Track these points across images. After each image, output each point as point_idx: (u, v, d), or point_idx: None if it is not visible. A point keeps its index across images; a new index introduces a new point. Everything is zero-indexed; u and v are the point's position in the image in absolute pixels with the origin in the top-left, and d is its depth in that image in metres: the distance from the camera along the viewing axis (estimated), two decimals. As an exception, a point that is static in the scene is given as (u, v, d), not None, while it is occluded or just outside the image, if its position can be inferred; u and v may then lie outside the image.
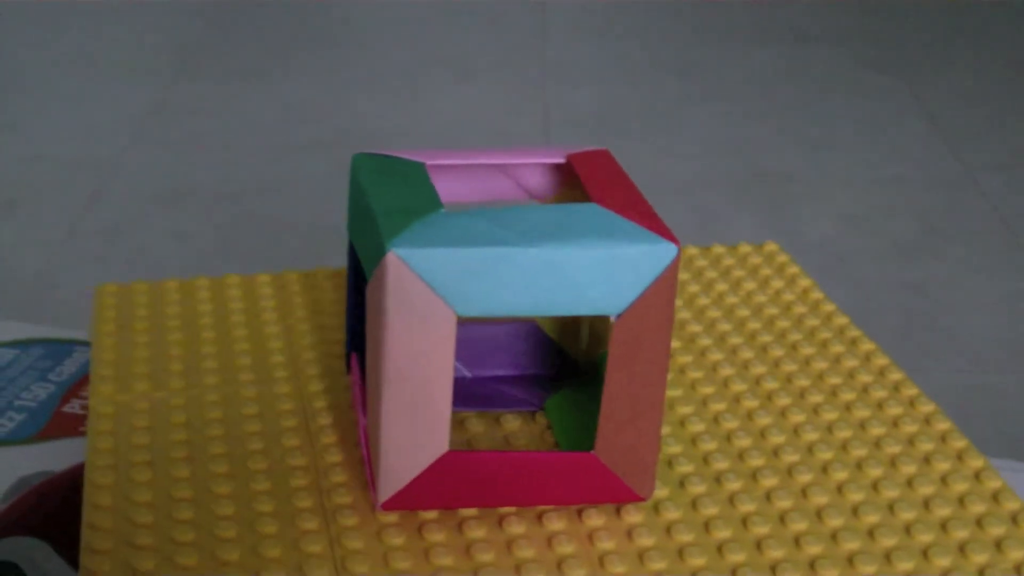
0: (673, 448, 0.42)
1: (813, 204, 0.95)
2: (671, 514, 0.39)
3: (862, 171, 1.01)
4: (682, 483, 0.40)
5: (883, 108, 1.13)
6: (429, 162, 0.42)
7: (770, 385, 0.45)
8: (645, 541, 0.38)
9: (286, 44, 1.25)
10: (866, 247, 0.88)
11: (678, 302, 0.50)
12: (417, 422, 0.39)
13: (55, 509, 0.49)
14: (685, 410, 0.44)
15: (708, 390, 0.45)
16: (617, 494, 0.40)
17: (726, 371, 0.46)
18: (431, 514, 0.40)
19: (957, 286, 0.84)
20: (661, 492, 0.40)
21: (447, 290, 0.37)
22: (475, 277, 0.37)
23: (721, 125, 1.09)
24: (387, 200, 0.39)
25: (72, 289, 0.79)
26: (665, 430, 0.43)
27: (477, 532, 0.39)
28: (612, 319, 0.37)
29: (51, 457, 0.53)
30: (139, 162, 0.98)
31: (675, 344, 0.48)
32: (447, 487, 0.40)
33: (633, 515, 0.39)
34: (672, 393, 0.45)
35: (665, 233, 0.37)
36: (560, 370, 0.46)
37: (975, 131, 1.09)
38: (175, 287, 0.51)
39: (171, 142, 1.02)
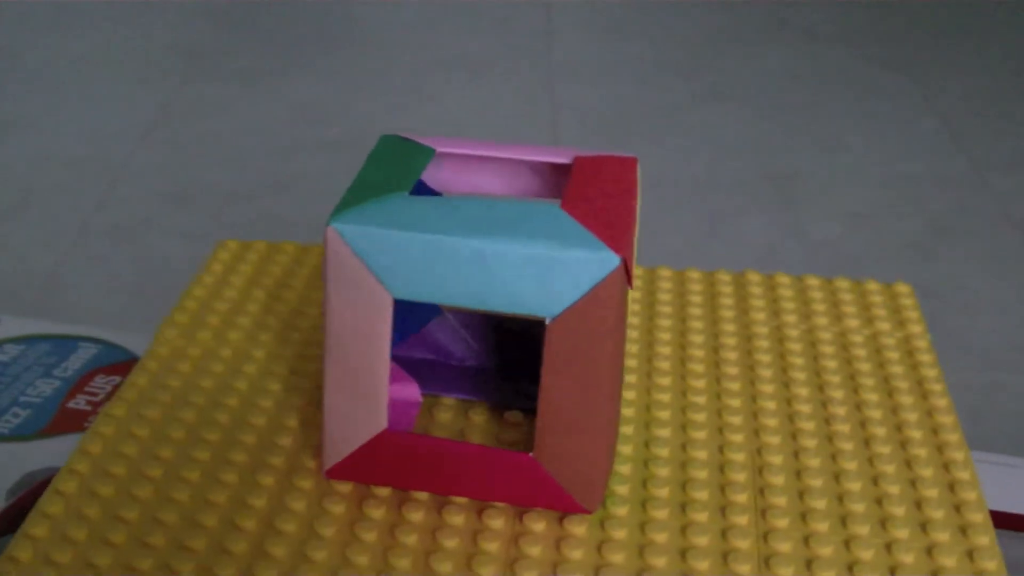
0: (661, 470, 0.41)
1: (822, 203, 0.94)
2: (615, 532, 0.38)
3: (871, 170, 1.01)
4: (644, 504, 0.39)
5: (893, 107, 1.13)
6: (441, 149, 0.42)
7: (803, 425, 0.43)
8: (572, 553, 0.37)
9: (295, 45, 1.25)
10: (875, 246, 0.88)
11: (763, 329, 0.49)
12: (356, 397, 0.39)
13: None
14: (698, 435, 0.43)
15: (734, 420, 0.44)
16: (559, 502, 0.39)
17: (768, 404, 0.44)
18: (384, 490, 0.40)
19: (966, 286, 0.84)
20: (619, 510, 0.39)
21: (383, 271, 0.37)
22: (410, 261, 0.37)
23: (730, 124, 1.09)
24: (366, 178, 0.40)
25: (81, 288, 0.79)
26: (664, 451, 0.42)
27: (414, 514, 0.39)
28: (547, 322, 0.37)
29: (56, 453, 0.53)
30: (148, 162, 0.98)
31: (732, 370, 0.46)
32: (386, 465, 0.40)
33: (576, 526, 0.39)
34: (696, 417, 0.44)
35: (616, 244, 0.36)
36: None
37: (985, 130, 1.08)
38: (290, 249, 0.53)
39: (180, 142, 1.02)
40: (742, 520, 0.39)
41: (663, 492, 0.40)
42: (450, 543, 0.38)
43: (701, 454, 0.42)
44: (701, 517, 0.39)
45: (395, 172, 0.40)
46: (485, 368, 0.46)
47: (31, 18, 1.31)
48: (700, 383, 0.46)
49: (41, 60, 1.20)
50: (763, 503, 0.40)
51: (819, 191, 0.97)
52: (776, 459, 0.42)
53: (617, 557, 0.37)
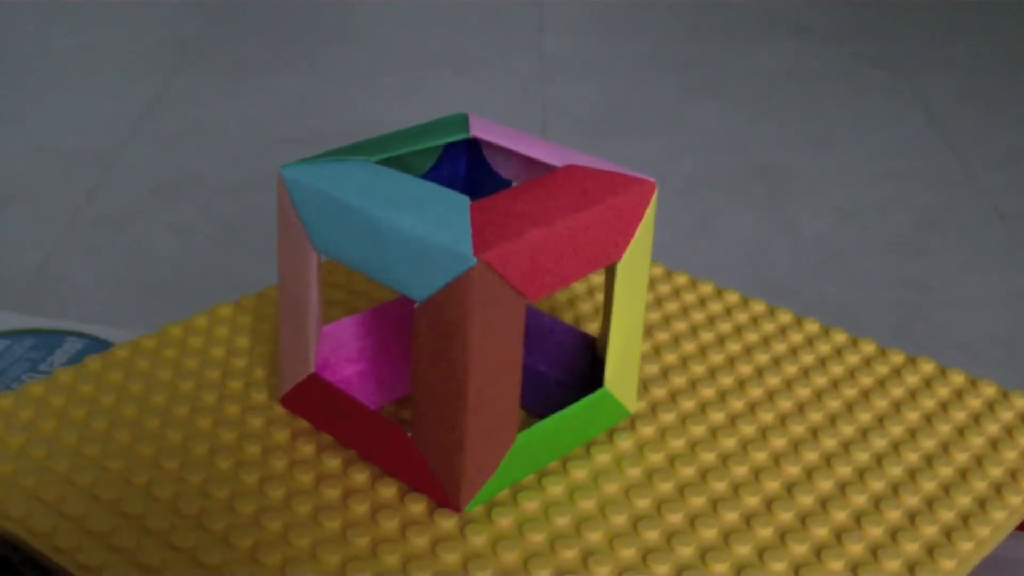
0: (586, 502, 0.39)
1: (811, 200, 0.95)
2: (471, 539, 0.37)
3: (860, 167, 1.01)
4: (522, 527, 0.38)
5: (882, 104, 1.13)
6: (476, 134, 0.43)
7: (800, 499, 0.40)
8: (413, 539, 0.37)
9: (286, 38, 1.25)
10: (864, 243, 0.88)
11: (851, 391, 0.46)
12: (296, 335, 0.41)
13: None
14: (655, 458, 0.41)
15: (708, 456, 0.41)
16: (432, 491, 0.39)
17: (758, 456, 0.41)
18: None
19: (955, 283, 0.84)
20: (503, 520, 0.38)
21: (309, 224, 0.39)
22: (327, 219, 0.38)
23: (720, 121, 1.09)
24: (363, 142, 0.42)
25: (69, 281, 0.79)
26: (612, 487, 0.40)
27: (329, 460, 0.41)
28: (415, 305, 0.37)
29: (41, 447, 0.53)
30: (138, 155, 0.98)
31: (737, 403, 0.44)
32: (315, 407, 0.42)
33: (444, 519, 0.38)
34: (675, 443, 0.42)
35: (489, 246, 0.35)
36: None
37: (974, 128, 1.09)
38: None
39: (170, 135, 1.02)
40: (602, 570, 0.37)
41: (563, 521, 0.38)
42: (329, 492, 0.39)
43: (636, 471, 0.40)
44: (569, 553, 0.37)
45: (396, 143, 0.41)
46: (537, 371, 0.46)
47: (20, 11, 1.31)
48: (729, 442, 0.43)
49: (30, 53, 1.20)
50: (616, 546, 0.38)
51: (808, 188, 0.97)
52: (708, 532, 0.39)
53: (449, 557, 0.36)
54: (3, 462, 0.40)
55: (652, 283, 0.53)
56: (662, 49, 1.25)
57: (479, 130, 0.43)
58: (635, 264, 0.40)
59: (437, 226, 0.36)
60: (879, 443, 0.43)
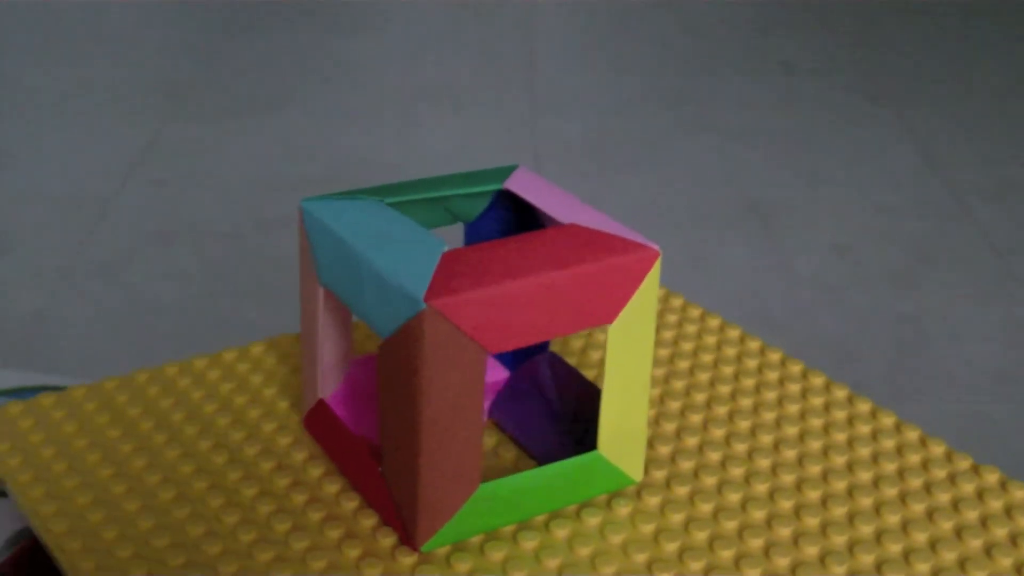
0: (549, 560, 0.39)
1: (804, 234, 0.95)
2: None
3: (853, 201, 1.01)
4: (472, 574, 0.38)
5: (874, 137, 1.14)
6: (509, 186, 0.44)
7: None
8: (366, 572, 0.38)
9: (279, 81, 1.26)
10: (857, 277, 0.89)
11: (891, 490, 0.44)
12: (310, 364, 0.43)
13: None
14: (644, 530, 0.40)
15: (699, 536, 0.40)
16: (397, 527, 0.40)
17: (752, 543, 0.40)
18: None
19: (949, 315, 0.84)
20: (461, 565, 0.38)
21: (316, 255, 0.40)
22: (326, 251, 0.40)
23: (712, 156, 1.09)
24: (408, 185, 0.43)
25: (65, 329, 0.79)
26: (584, 550, 0.39)
27: (327, 487, 0.42)
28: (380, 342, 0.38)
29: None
30: (133, 200, 0.98)
31: (760, 487, 0.43)
32: (322, 432, 0.43)
33: (405, 556, 0.38)
34: (673, 517, 0.41)
35: (443, 295, 0.36)
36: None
37: (966, 160, 1.09)
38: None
39: (166, 180, 1.02)
40: None
41: (520, 573, 0.38)
42: (312, 515, 0.40)
43: (607, 571, 0.38)
44: None
45: (429, 187, 0.42)
46: (551, 412, 0.46)
47: (14, 55, 1.32)
48: (729, 524, 0.41)
49: (24, 97, 1.20)
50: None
51: (801, 222, 0.97)
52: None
53: None
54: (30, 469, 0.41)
55: (721, 345, 0.51)
56: (654, 84, 1.26)
57: (515, 183, 0.44)
58: (633, 330, 0.40)
59: (402, 268, 0.37)
60: (893, 548, 0.41)
